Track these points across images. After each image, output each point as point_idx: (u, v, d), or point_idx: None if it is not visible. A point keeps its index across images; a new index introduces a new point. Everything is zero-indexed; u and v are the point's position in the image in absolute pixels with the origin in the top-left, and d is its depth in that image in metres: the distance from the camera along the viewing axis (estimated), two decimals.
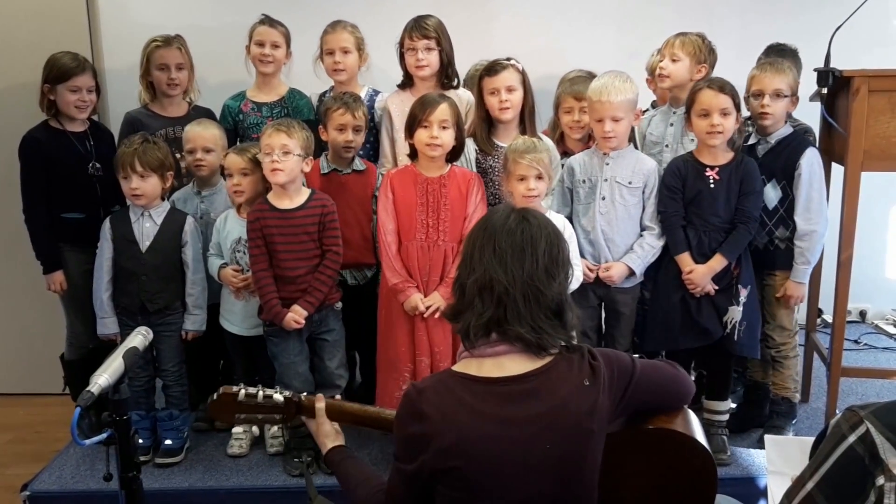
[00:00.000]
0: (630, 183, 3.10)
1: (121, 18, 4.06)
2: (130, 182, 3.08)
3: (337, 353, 3.19)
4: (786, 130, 3.14)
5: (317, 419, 2.07)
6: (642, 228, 3.15)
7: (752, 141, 3.19)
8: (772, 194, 3.13)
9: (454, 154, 3.09)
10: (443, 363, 3.01)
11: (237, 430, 3.28)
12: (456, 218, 3.06)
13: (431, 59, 3.39)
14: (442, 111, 2.98)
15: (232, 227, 3.23)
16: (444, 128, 2.99)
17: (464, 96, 3.48)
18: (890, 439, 1.39)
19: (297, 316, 3.03)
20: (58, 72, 3.29)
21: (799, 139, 3.16)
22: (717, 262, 3.02)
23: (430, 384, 1.70)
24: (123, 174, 3.08)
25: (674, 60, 3.30)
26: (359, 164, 3.31)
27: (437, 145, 2.99)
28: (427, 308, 3.01)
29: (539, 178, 2.90)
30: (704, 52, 3.33)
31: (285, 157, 2.96)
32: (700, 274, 3.03)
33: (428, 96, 3.08)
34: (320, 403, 2.07)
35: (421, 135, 2.99)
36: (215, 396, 2.08)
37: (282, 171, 2.97)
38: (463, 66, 3.61)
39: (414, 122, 3.01)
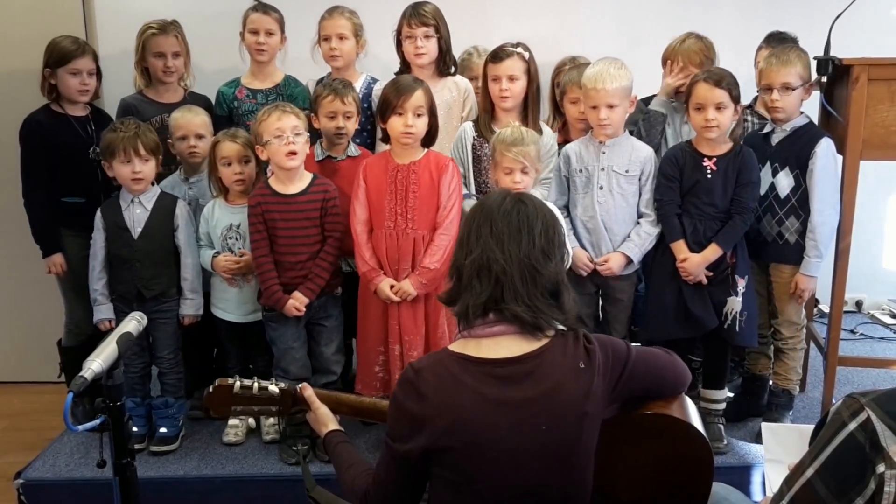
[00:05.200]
0: (627, 171, 3.09)
1: (115, 4, 4.02)
2: (133, 166, 3.05)
3: (334, 339, 3.18)
4: (801, 120, 3.10)
5: (311, 405, 2.07)
6: (639, 216, 3.14)
7: (766, 129, 3.16)
8: (784, 182, 3.09)
9: (429, 139, 3.05)
10: (414, 351, 3.00)
11: (233, 418, 3.27)
12: (427, 206, 3.00)
13: (430, 47, 3.38)
14: (417, 98, 2.94)
15: (221, 216, 3.21)
16: (418, 115, 2.95)
17: (461, 83, 3.47)
18: (891, 427, 1.38)
19: (297, 303, 3.01)
20: (58, 55, 3.28)
21: (815, 129, 3.11)
22: (712, 252, 3.01)
23: (427, 364, 1.71)
24: (124, 158, 3.04)
25: (687, 76, 3.24)
26: (353, 150, 3.28)
27: (410, 133, 2.96)
28: (397, 294, 2.98)
29: (524, 171, 2.87)
30: (712, 53, 3.31)
31: (297, 138, 2.95)
32: (694, 263, 3.02)
33: (402, 81, 3.03)
34: (307, 391, 2.07)
35: (395, 122, 2.95)
36: (211, 389, 2.08)
37: (297, 154, 2.96)
38: (458, 50, 3.59)
39: (388, 108, 2.96)
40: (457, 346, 1.72)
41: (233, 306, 3.26)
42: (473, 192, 3.24)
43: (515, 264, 1.67)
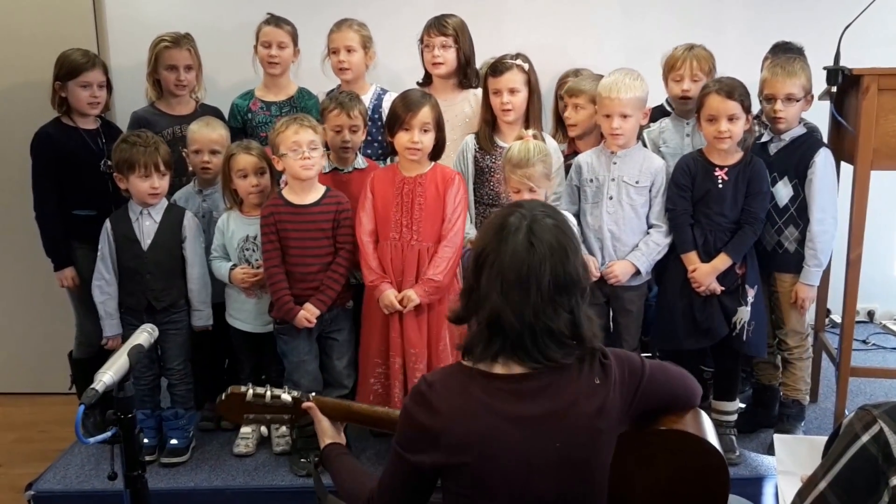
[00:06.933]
0: (637, 182, 3.09)
1: (127, 16, 4.04)
2: (152, 181, 3.07)
3: (346, 353, 3.18)
4: (800, 130, 3.12)
5: (314, 418, 2.08)
6: (649, 226, 3.13)
7: (764, 139, 3.17)
8: (783, 192, 3.11)
9: (436, 153, 3.06)
10: (419, 364, 2.99)
11: (244, 429, 3.27)
12: (432, 218, 3.01)
13: (448, 57, 3.40)
14: (424, 114, 2.95)
15: (237, 227, 3.21)
16: (425, 131, 2.97)
17: (481, 96, 3.47)
18: None
19: (308, 315, 3.02)
20: (68, 68, 3.29)
21: (813, 139, 3.14)
22: (722, 262, 3.01)
23: (440, 378, 1.70)
24: (144, 173, 3.05)
25: (695, 80, 3.25)
26: (361, 162, 3.29)
27: (417, 149, 2.97)
28: (401, 302, 2.96)
29: (531, 191, 2.87)
30: (713, 64, 3.31)
31: (313, 152, 2.97)
32: (704, 272, 3.02)
33: (410, 96, 3.04)
34: (308, 403, 2.08)
35: (402, 137, 2.97)
36: (223, 396, 2.08)
37: (312, 168, 2.98)
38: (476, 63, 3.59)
39: (395, 123, 2.98)
40: (469, 361, 1.71)
41: (250, 317, 3.26)
42: (474, 204, 3.26)
43: (526, 323, 1.62)
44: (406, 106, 2.97)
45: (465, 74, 3.47)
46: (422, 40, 3.46)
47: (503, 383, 1.65)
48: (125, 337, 3.07)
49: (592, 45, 4.10)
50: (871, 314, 4.59)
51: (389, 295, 2.98)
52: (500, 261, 1.64)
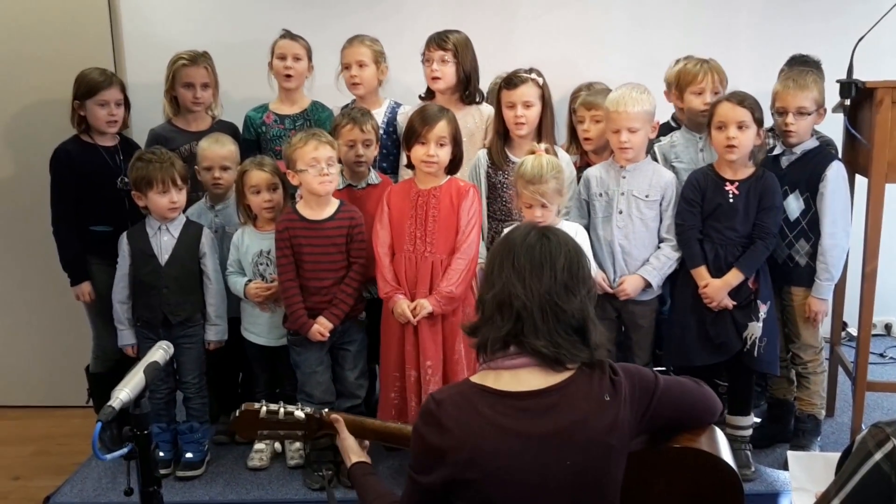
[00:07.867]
0: (647, 196, 3.09)
1: (144, 34, 4.09)
2: (170, 196, 3.12)
3: (358, 364, 3.20)
4: (812, 143, 3.11)
5: (339, 435, 2.09)
6: (660, 240, 3.13)
7: (776, 151, 3.16)
8: (794, 206, 3.10)
9: (453, 166, 3.08)
10: (434, 377, 3.00)
11: (258, 443, 3.29)
12: (446, 230, 3.02)
13: (446, 72, 3.41)
14: (440, 128, 2.97)
15: (251, 242, 3.25)
16: (441, 145, 2.98)
17: (484, 111, 3.49)
18: None
19: (322, 328, 3.05)
20: (86, 87, 3.33)
21: (825, 152, 3.13)
22: (734, 277, 3.00)
23: (448, 395, 1.70)
24: (162, 189, 3.10)
25: (716, 93, 3.24)
26: (374, 177, 3.31)
27: (433, 163, 2.98)
28: (413, 312, 2.96)
29: (544, 206, 2.88)
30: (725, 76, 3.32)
31: (331, 168, 3.00)
32: (716, 288, 3.00)
33: (428, 110, 3.06)
34: (336, 416, 2.10)
35: (418, 151, 2.99)
36: (237, 413, 2.10)
37: (331, 184, 3.02)
38: (486, 78, 3.60)
39: (412, 136, 3.00)
40: (478, 378, 1.71)
41: (264, 330, 3.29)
42: (487, 219, 3.26)
43: (536, 300, 1.65)
44: (423, 120, 2.98)
45: (467, 90, 3.46)
46: (423, 54, 3.48)
47: (513, 400, 1.65)
48: (141, 351, 3.11)
49: (603, 60, 4.11)
50: (888, 327, 4.56)
51: (402, 304, 2.99)
52: (513, 252, 1.71)
